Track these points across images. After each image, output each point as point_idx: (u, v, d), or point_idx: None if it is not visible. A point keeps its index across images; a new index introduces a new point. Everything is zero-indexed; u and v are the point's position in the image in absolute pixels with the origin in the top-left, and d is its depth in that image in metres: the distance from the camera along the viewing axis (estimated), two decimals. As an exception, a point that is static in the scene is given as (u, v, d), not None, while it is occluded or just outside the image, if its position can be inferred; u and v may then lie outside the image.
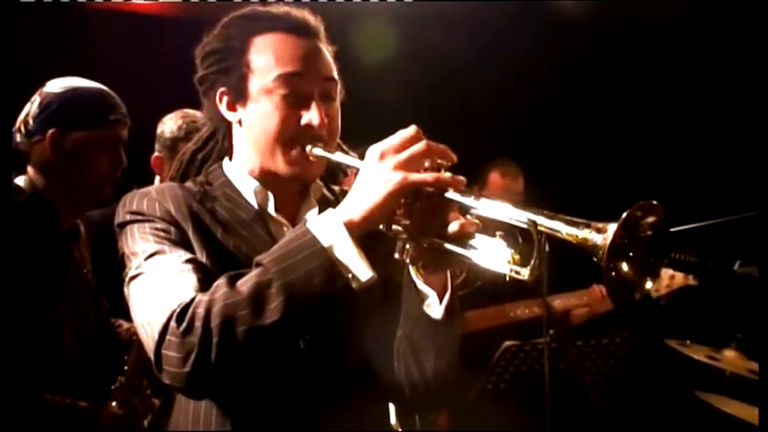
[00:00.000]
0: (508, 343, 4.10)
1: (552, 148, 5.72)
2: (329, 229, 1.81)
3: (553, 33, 5.77)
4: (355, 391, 2.06)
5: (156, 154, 3.74)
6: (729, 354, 4.11)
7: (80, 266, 3.01)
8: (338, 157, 2.07)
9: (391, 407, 2.64)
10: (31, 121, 2.87)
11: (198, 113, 3.74)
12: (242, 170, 2.16)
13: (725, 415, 3.97)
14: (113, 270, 2.95)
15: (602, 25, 5.76)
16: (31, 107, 2.89)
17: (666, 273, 4.61)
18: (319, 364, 2.02)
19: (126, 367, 3.05)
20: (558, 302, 4.64)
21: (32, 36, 4.62)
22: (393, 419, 2.62)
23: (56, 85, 2.91)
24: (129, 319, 3.11)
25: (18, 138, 2.89)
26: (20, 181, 2.87)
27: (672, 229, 3.64)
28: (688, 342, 4.33)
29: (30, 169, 2.90)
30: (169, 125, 3.76)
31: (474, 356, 4.25)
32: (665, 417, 5.22)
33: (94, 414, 2.85)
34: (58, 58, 2.94)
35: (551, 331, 4.00)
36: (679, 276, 4.59)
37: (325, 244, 1.79)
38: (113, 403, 3.00)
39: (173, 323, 1.80)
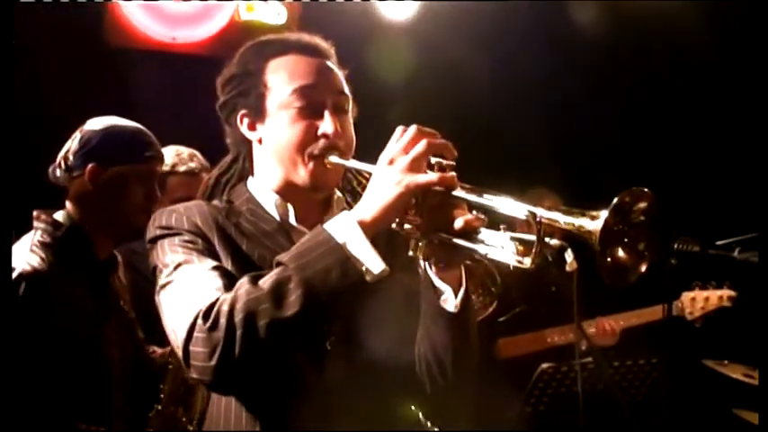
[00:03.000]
0: (545, 365, 4.12)
1: (573, 167, 5.80)
2: (343, 227, 1.92)
3: (574, 52, 5.88)
4: (380, 388, 2.15)
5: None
6: (766, 371, 4.12)
7: (117, 297, 3.12)
8: (353, 163, 2.19)
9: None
10: (71, 157, 2.99)
11: (184, 148, 3.89)
12: (264, 186, 2.28)
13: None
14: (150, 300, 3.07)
15: (622, 44, 5.87)
16: (72, 144, 3.01)
17: (701, 295, 4.65)
18: (345, 362, 2.11)
19: (162, 395, 3.14)
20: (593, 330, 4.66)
21: (74, 76, 4.83)
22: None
23: (96, 123, 3.03)
24: (162, 345, 3.24)
25: (58, 173, 3.02)
26: (59, 216, 2.99)
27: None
28: (726, 362, 4.36)
29: (68, 204, 3.02)
30: None
31: (513, 381, 4.31)
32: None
33: None
34: (98, 98, 3.08)
35: (583, 347, 4.04)
36: (713, 298, 4.62)
37: (340, 241, 1.90)
38: (150, 430, 3.09)
39: (199, 321, 1.91)
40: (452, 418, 2.49)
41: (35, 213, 2.97)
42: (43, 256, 2.84)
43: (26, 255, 2.83)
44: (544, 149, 5.84)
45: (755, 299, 3.60)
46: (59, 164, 3.03)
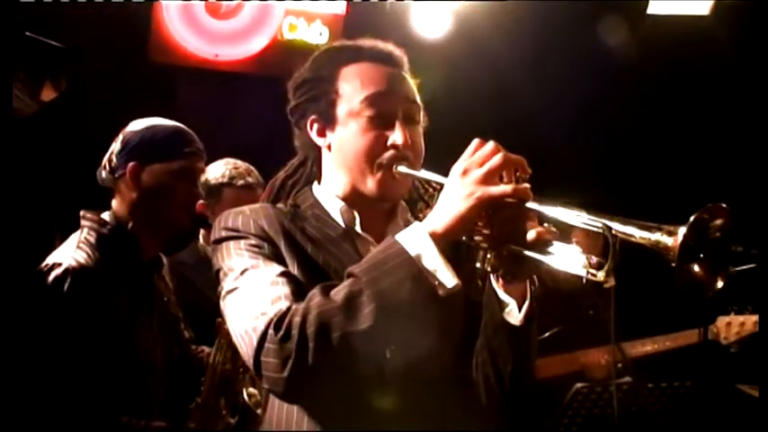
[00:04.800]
0: (579, 385, 4.11)
1: (613, 186, 5.85)
2: (416, 239, 1.92)
3: (614, 72, 5.97)
4: (437, 396, 2.15)
5: (200, 201, 3.84)
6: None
7: (162, 295, 3.15)
8: (422, 174, 2.18)
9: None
10: (114, 159, 3.04)
11: (241, 162, 3.97)
12: (330, 192, 2.28)
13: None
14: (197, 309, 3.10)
15: (661, 65, 5.91)
16: (115, 145, 3.07)
17: (736, 320, 4.64)
18: (403, 370, 2.08)
19: (202, 388, 3.15)
20: (631, 349, 4.66)
21: (118, 90, 4.91)
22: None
23: (137, 125, 3.09)
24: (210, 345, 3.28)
25: (103, 174, 3.08)
26: (105, 215, 3.04)
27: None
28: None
29: (114, 203, 3.07)
30: (213, 172, 3.93)
31: (547, 402, 4.32)
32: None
33: None
34: (142, 112, 3.16)
35: (619, 365, 4.05)
36: (749, 324, 4.60)
37: (413, 254, 1.90)
38: (191, 423, 3.10)
39: (271, 331, 1.91)
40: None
41: (81, 213, 3.03)
42: (89, 252, 2.89)
43: (73, 251, 2.88)
44: (578, 168, 5.88)
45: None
46: (104, 166, 3.09)
